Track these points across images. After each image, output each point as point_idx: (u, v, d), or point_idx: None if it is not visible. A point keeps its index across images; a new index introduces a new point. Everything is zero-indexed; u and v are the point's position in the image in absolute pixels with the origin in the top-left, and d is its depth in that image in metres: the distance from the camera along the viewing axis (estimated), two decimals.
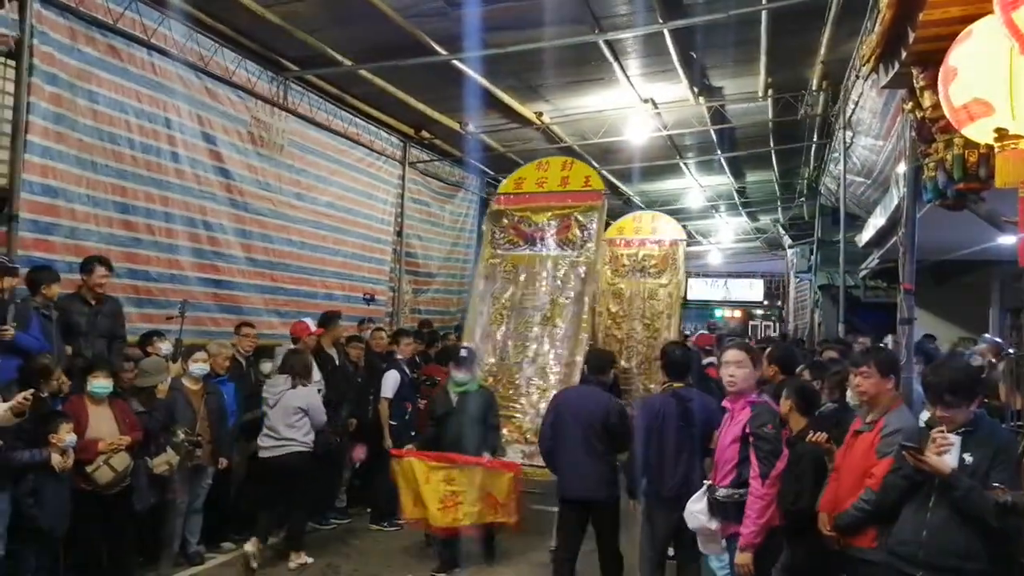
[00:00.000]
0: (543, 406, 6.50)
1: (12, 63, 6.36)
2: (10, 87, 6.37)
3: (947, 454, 3.18)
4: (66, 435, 4.96)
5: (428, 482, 6.13)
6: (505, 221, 8.08)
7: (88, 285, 6.21)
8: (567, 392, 5.91)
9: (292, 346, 7.57)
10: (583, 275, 7.63)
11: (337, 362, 7.94)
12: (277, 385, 6.64)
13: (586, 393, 5.62)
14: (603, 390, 5.66)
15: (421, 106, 11.57)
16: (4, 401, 4.67)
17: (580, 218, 7.77)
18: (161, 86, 7.95)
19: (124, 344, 6.51)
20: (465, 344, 7.26)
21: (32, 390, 4.71)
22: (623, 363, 10.76)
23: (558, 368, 7.30)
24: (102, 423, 5.41)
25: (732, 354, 4.47)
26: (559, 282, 7.66)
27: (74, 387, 5.58)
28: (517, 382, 7.37)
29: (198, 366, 6.38)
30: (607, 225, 10.67)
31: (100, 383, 5.43)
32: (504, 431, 6.82)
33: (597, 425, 5.28)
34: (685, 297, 11.27)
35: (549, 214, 7.93)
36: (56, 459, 4.86)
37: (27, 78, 6.40)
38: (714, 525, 4.40)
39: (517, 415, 7.22)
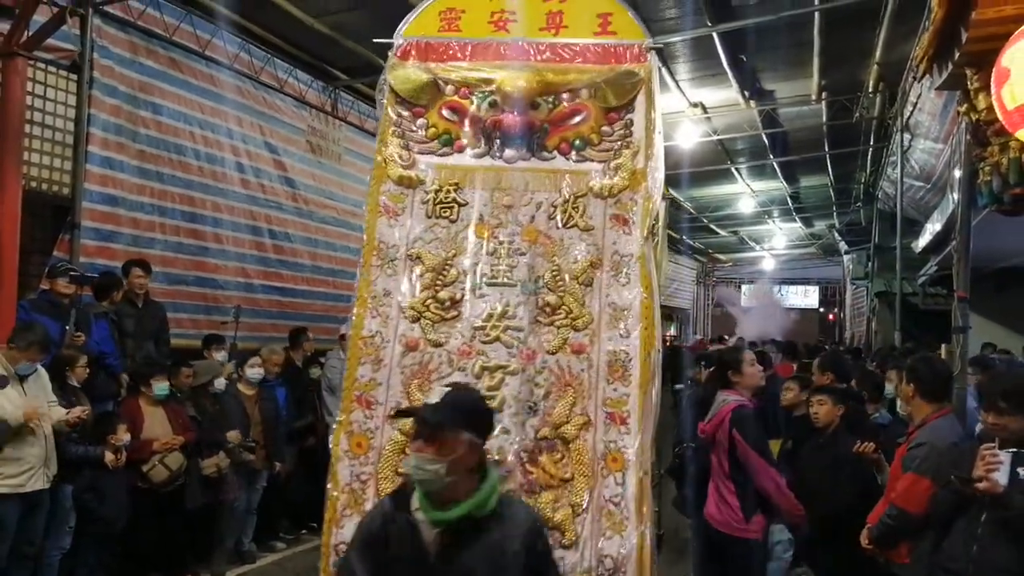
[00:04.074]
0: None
1: (74, 76, 6.61)
2: (72, 100, 6.62)
3: (996, 472, 3.06)
4: (123, 435, 5.16)
5: None
6: (423, 94, 3.75)
7: (130, 287, 6.38)
8: None
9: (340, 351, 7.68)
10: (629, 211, 3.54)
11: None
12: None
13: None
14: None
15: None
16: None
17: (608, 95, 3.65)
18: (222, 97, 8.18)
19: (168, 346, 6.68)
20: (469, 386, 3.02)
21: (87, 408, 4.99)
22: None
23: (595, 439, 3.29)
24: (156, 424, 5.58)
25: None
26: (571, 227, 3.56)
27: (129, 388, 5.78)
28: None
29: (253, 371, 6.53)
30: None
31: (161, 386, 5.62)
32: None
33: None
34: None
35: (535, 80, 3.65)
36: (109, 456, 5.05)
37: (87, 91, 6.65)
38: None
39: None
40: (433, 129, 3.70)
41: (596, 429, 3.25)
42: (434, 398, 2.26)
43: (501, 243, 3.53)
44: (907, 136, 9.87)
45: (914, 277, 12.71)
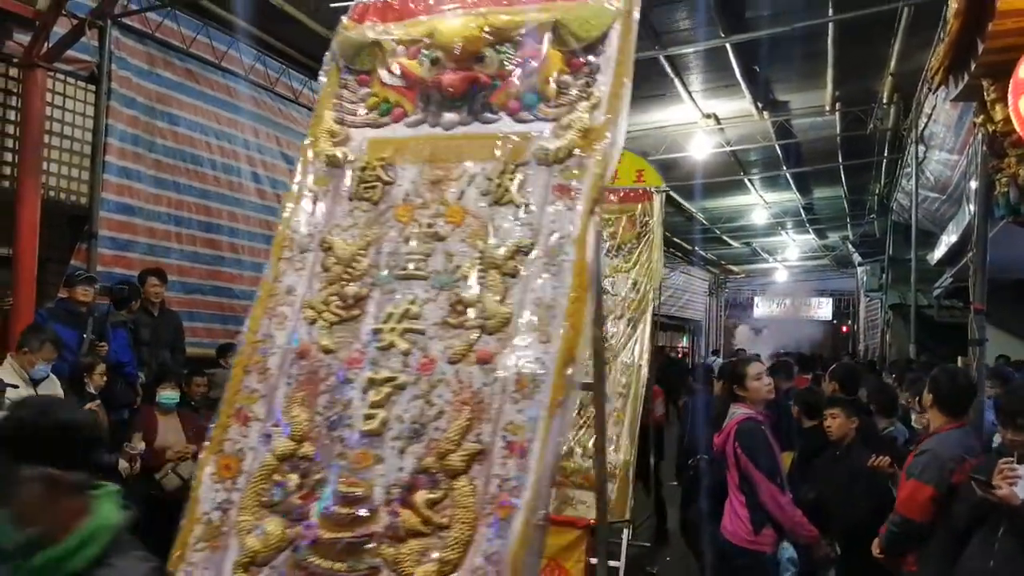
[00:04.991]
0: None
1: (92, 87, 6.69)
2: (90, 110, 6.70)
3: (1015, 486, 3.05)
4: (139, 443, 5.20)
5: None
6: (369, 58, 3.12)
7: (146, 296, 6.41)
8: None
9: None
10: (575, 179, 2.61)
11: None
12: None
13: None
14: None
15: None
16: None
17: (570, 34, 2.78)
18: (238, 108, 8.26)
19: (183, 355, 6.73)
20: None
21: (97, 401, 5.03)
22: None
23: (489, 470, 2.32)
24: (169, 432, 5.60)
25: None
26: (506, 203, 2.69)
27: (144, 397, 5.83)
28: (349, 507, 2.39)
29: None
30: None
31: (168, 394, 5.63)
32: None
33: None
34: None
35: (480, 27, 2.88)
36: (123, 464, 5.08)
37: (105, 102, 6.73)
38: None
39: None
40: (374, 98, 3.03)
41: (491, 462, 2.36)
42: None
43: (420, 227, 2.79)
44: (922, 147, 9.84)
45: (929, 289, 12.63)
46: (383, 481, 2.39)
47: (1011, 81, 3.42)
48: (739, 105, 10.90)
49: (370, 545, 2.30)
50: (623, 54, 2.74)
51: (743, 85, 9.92)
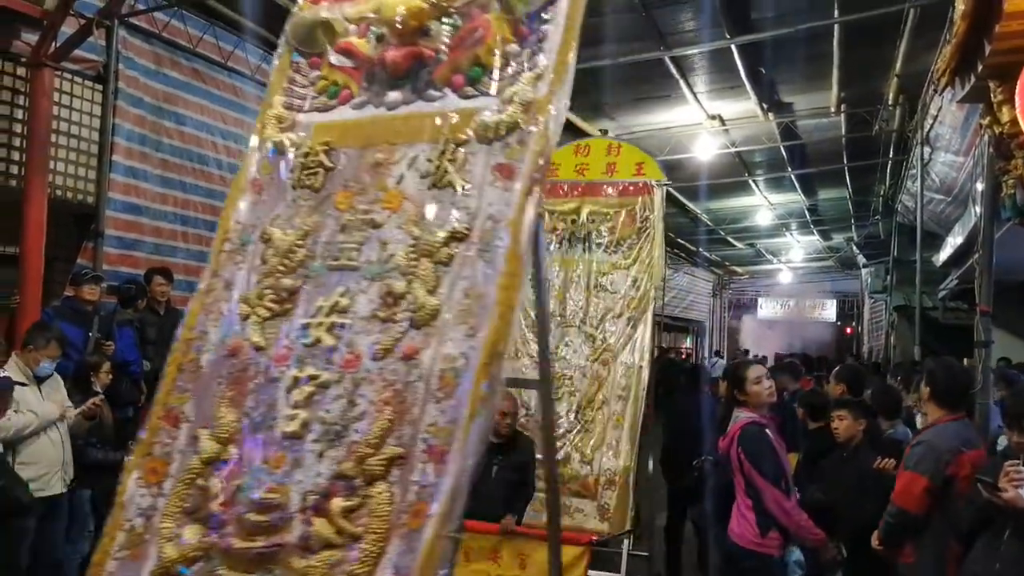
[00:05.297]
0: None
1: (99, 87, 6.72)
2: (97, 110, 6.73)
3: (1021, 488, 3.04)
4: None
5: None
6: (321, 39, 2.92)
7: (152, 295, 6.40)
8: None
9: None
10: (517, 157, 2.34)
11: None
12: None
13: None
14: None
15: None
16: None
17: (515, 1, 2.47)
18: (244, 108, 8.29)
19: None
20: None
21: (101, 396, 5.03)
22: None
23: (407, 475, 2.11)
24: None
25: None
26: (445, 186, 2.43)
27: (149, 395, 5.85)
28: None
29: None
30: None
31: None
32: None
33: None
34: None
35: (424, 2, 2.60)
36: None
37: (112, 101, 6.76)
38: None
39: None
40: (323, 81, 2.84)
41: (411, 467, 2.16)
42: None
43: (356, 214, 2.58)
44: (927, 149, 9.81)
45: (934, 291, 12.60)
46: (300, 487, 2.22)
47: (1018, 83, 3.42)
48: (744, 106, 10.89)
49: (280, 556, 2.15)
50: (571, 19, 2.47)
51: (748, 86, 9.91)
